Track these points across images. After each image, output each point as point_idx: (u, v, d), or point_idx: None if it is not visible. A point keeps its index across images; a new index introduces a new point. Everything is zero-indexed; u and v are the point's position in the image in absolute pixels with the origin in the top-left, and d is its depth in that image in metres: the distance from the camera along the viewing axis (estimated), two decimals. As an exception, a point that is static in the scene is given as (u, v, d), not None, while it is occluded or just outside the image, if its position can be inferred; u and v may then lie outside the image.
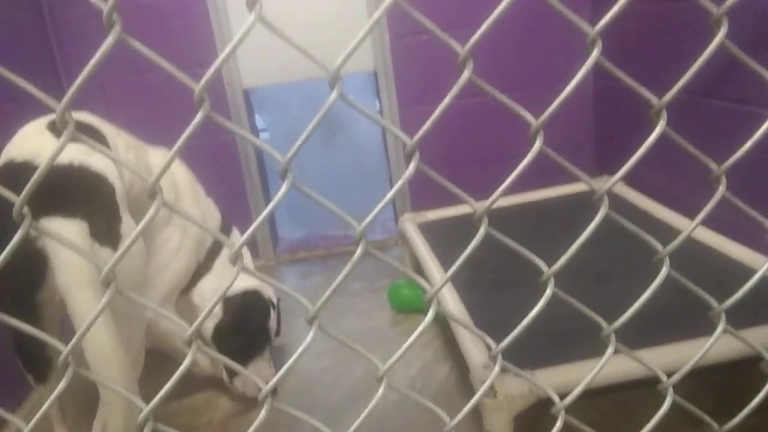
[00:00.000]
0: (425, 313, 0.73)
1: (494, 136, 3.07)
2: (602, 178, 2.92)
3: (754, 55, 0.74)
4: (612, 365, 0.81)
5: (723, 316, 0.84)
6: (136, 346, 1.50)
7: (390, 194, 0.67)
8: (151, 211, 0.59)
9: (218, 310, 1.99)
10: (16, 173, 1.39)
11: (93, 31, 2.73)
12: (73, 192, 1.37)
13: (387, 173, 3.32)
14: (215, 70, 0.57)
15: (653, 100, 0.71)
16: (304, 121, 0.62)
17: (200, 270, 2.01)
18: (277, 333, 2.17)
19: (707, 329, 0.84)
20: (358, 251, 0.67)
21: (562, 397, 0.83)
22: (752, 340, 0.88)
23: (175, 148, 0.59)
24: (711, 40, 0.70)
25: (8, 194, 0.58)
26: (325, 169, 3.60)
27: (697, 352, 0.83)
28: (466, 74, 0.64)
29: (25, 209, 0.57)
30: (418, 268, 2.42)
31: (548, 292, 0.75)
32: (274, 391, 0.71)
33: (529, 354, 1.27)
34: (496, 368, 0.80)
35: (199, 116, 0.58)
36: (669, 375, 0.85)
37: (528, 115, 0.68)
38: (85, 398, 1.53)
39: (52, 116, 1.53)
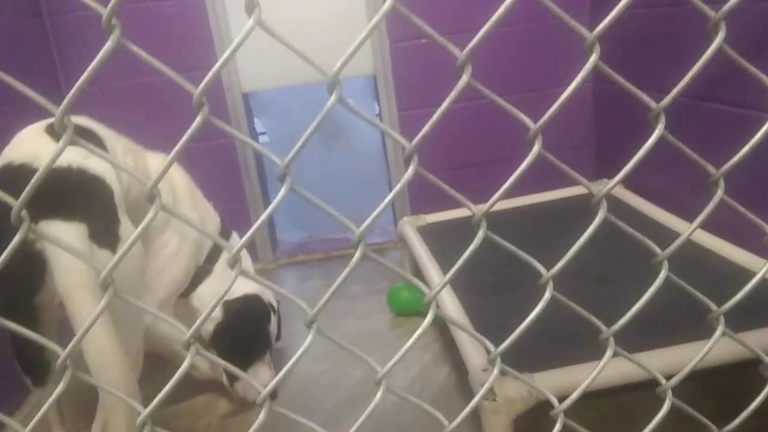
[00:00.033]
0: (424, 315, 0.73)
1: (493, 139, 3.08)
2: (601, 182, 2.92)
3: (752, 58, 0.74)
4: (611, 368, 0.81)
5: (722, 319, 0.84)
6: (135, 349, 1.50)
7: (389, 198, 0.67)
8: (150, 214, 0.59)
9: (218, 314, 1.99)
10: (14, 176, 1.39)
11: (92, 35, 2.74)
12: (72, 195, 1.37)
13: (386, 176, 3.32)
14: (214, 74, 0.57)
15: (651, 103, 0.71)
16: (304, 125, 0.62)
17: (200, 274, 2.01)
18: (278, 337, 2.17)
19: (706, 332, 0.84)
20: (357, 255, 0.67)
21: (562, 399, 0.83)
22: (751, 343, 0.88)
23: (174, 151, 0.59)
24: (709, 44, 0.70)
25: (7, 198, 0.58)
26: (325, 173, 3.60)
27: (696, 355, 0.83)
28: (464, 78, 0.64)
29: (24, 212, 0.57)
30: (418, 271, 2.42)
31: (547, 295, 0.75)
32: (273, 395, 0.71)
33: (528, 356, 1.27)
34: (495, 371, 0.80)
35: (197, 120, 0.58)
36: (668, 378, 0.85)
37: (526, 119, 0.68)
38: (83, 401, 1.53)
39: (50, 120, 1.53)
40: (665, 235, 2.16)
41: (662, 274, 0.79)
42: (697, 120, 2.20)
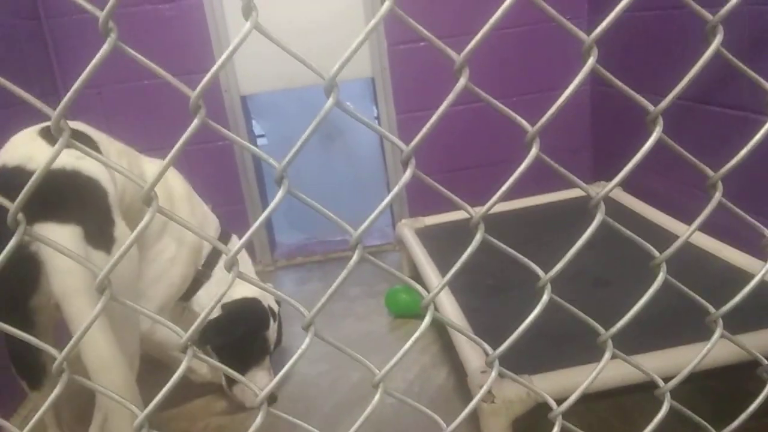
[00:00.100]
0: (423, 318, 0.73)
1: (491, 141, 3.08)
2: (599, 184, 2.92)
3: (749, 61, 0.74)
4: (610, 370, 0.81)
5: (720, 322, 0.84)
6: (132, 351, 1.50)
7: (386, 201, 0.67)
8: (147, 217, 0.59)
9: (215, 316, 1.98)
10: (8, 179, 1.39)
11: (90, 38, 2.73)
12: (66, 197, 1.37)
13: (384, 179, 3.32)
14: (211, 76, 0.57)
15: (649, 106, 0.71)
16: (302, 128, 0.62)
17: (199, 278, 2.00)
18: (278, 343, 2.16)
19: (705, 334, 0.84)
20: (354, 257, 0.67)
21: (561, 401, 0.83)
22: (749, 345, 0.88)
23: (171, 155, 0.59)
24: (706, 47, 0.70)
25: (2, 200, 0.57)
26: (323, 175, 3.59)
27: (695, 357, 0.83)
28: (462, 81, 0.64)
29: (20, 215, 0.57)
30: (416, 274, 2.42)
31: (545, 297, 0.75)
32: (273, 399, 0.71)
33: (527, 358, 1.27)
34: (494, 373, 0.80)
35: (194, 123, 0.58)
36: (667, 380, 0.85)
37: (524, 122, 0.68)
38: (81, 403, 1.53)
39: (43, 124, 1.53)
40: (663, 238, 2.16)
41: (660, 277, 0.79)
42: (694, 123, 2.21)
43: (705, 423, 0.89)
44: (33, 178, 0.56)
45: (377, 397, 0.76)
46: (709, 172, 0.76)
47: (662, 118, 0.72)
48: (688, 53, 2.18)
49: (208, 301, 1.99)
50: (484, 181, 2.62)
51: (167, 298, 1.87)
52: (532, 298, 0.76)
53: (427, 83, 2.90)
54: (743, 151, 0.76)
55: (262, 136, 3.67)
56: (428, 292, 0.73)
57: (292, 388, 2.13)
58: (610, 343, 0.81)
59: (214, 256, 2.03)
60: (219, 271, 2.03)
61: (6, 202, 0.57)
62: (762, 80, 0.76)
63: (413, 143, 0.65)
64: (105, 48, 0.54)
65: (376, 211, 0.67)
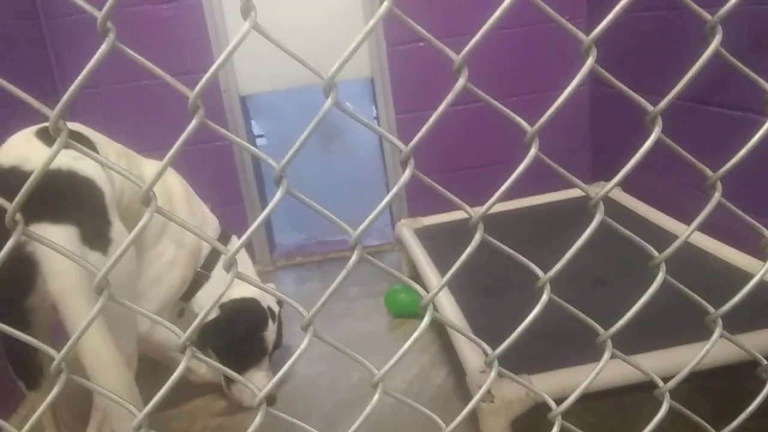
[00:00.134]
0: (422, 318, 0.73)
1: (490, 141, 3.08)
2: (598, 184, 2.92)
3: (748, 61, 0.74)
4: (609, 369, 0.81)
5: (719, 322, 0.84)
6: (130, 351, 1.50)
7: (385, 201, 0.67)
8: (145, 217, 0.59)
9: (213, 315, 1.98)
10: (4, 179, 1.39)
11: (89, 39, 2.74)
12: (62, 197, 1.36)
13: (384, 179, 3.32)
14: (209, 76, 0.57)
15: (648, 106, 0.71)
16: (301, 128, 0.61)
17: (199, 280, 2.00)
18: (278, 344, 2.15)
19: (704, 334, 0.84)
20: (353, 257, 0.67)
21: (560, 401, 0.83)
22: (748, 345, 0.88)
23: (169, 154, 0.59)
24: (705, 48, 0.70)
25: (1, 201, 0.57)
26: (322, 175, 3.59)
27: (694, 356, 0.83)
28: (461, 81, 0.64)
29: (18, 215, 0.57)
30: (415, 274, 2.42)
31: (544, 297, 0.75)
32: (272, 400, 0.71)
33: (526, 358, 1.27)
34: (493, 373, 0.80)
35: (193, 123, 0.58)
36: (666, 379, 0.85)
37: (523, 122, 0.68)
38: (79, 403, 1.53)
39: (40, 125, 1.53)
40: (662, 238, 2.16)
41: (660, 277, 0.79)
42: (693, 123, 2.20)
43: (704, 423, 0.89)
44: (31, 178, 0.56)
45: (376, 397, 0.76)
46: (708, 172, 0.76)
47: (661, 118, 0.72)
48: (687, 54, 2.18)
49: (207, 302, 1.99)
50: (483, 181, 2.62)
51: (166, 300, 1.87)
52: (532, 298, 0.76)
53: (426, 83, 2.90)
54: (742, 151, 0.76)
55: (261, 136, 3.67)
56: (427, 292, 0.73)
57: (292, 388, 2.13)
58: (609, 343, 0.81)
59: (214, 257, 2.03)
60: (218, 272, 2.03)
61: (4, 203, 0.57)
62: (761, 80, 0.76)
63: (412, 143, 0.65)
64: (103, 48, 0.54)
65: (375, 211, 0.67)
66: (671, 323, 1.54)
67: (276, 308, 2.15)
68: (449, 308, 1.95)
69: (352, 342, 2.40)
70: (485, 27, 0.62)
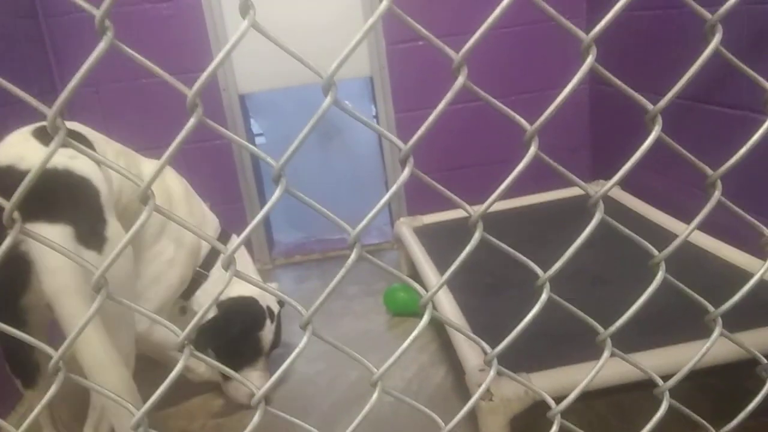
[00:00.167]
0: (421, 316, 0.73)
1: (490, 140, 3.08)
2: (597, 183, 2.93)
3: (748, 60, 0.74)
4: (609, 368, 0.81)
5: (719, 320, 0.84)
6: (127, 350, 1.49)
7: (384, 199, 0.67)
8: (143, 215, 0.59)
9: (211, 314, 1.98)
10: (0, 178, 1.39)
11: (88, 37, 2.73)
12: (57, 196, 1.36)
13: (383, 178, 3.32)
14: (208, 75, 0.57)
15: (648, 105, 0.71)
16: (300, 127, 0.61)
17: (198, 279, 2.00)
18: (275, 344, 2.14)
19: (703, 332, 0.84)
20: (352, 256, 0.67)
21: (559, 399, 0.83)
22: (748, 344, 0.88)
23: (167, 153, 0.59)
24: (705, 47, 0.70)
25: None
26: (321, 174, 3.59)
27: (694, 354, 0.83)
28: (460, 80, 0.64)
29: (16, 214, 0.57)
30: (414, 272, 2.41)
31: (543, 296, 0.75)
32: (267, 400, 0.70)
33: (525, 356, 1.27)
34: (492, 372, 0.80)
35: (191, 122, 0.57)
36: (665, 378, 0.85)
37: (523, 121, 0.68)
38: (76, 401, 1.52)
39: (37, 124, 1.53)
40: (662, 237, 2.16)
41: (659, 276, 0.79)
42: (693, 122, 2.20)
43: (704, 421, 0.89)
44: (29, 176, 0.56)
45: (375, 395, 0.76)
46: (709, 170, 0.76)
47: (661, 117, 0.71)
48: (687, 53, 2.18)
49: (206, 301, 1.99)
50: (483, 179, 2.61)
51: (165, 299, 1.86)
52: (531, 297, 0.76)
53: (426, 82, 2.90)
54: (742, 150, 0.76)
55: (260, 134, 3.66)
56: (426, 290, 0.73)
57: (290, 387, 2.13)
58: (608, 341, 0.81)
59: (213, 256, 2.03)
60: (217, 271, 2.03)
61: (1, 201, 0.57)
62: (761, 79, 0.76)
63: (412, 141, 0.65)
64: (101, 46, 0.53)
65: (375, 210, 0.67)
66: (671, 322, 1.54)
67: (276, 308, 2.14)
68: (448, 307, 1.95)
69: (351, 340, 2.40)
70: (485, 26, 0.62)
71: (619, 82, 0.70)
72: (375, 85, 3.07)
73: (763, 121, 0.75)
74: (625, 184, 2.77)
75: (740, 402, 0.89)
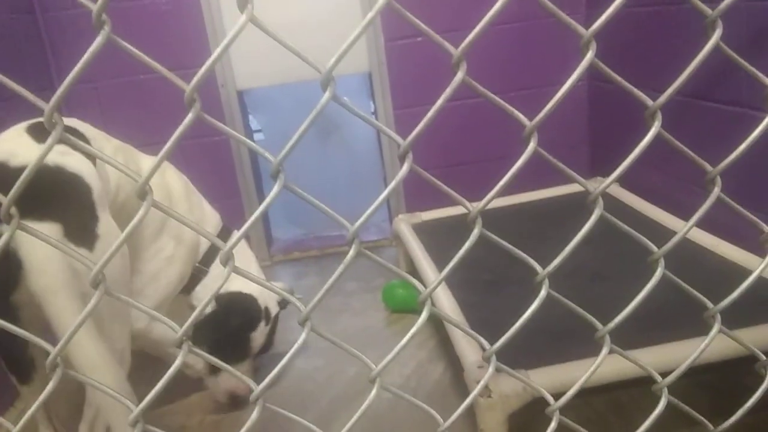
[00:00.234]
0: (420, 313, 0.73)
1: (489, 136, 3.07)
2: (596, 180, 2.92)
3: (747, 56, 0.74)
4: (607, 365, 0.81)
5: (718, 317, 0.84)
6: (120, 346, 1.49)
7: (383, 195, 0.67)
8: (141, 211, 0.59)
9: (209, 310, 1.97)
10: None
11: (86, 33, 2.73)
12: (47, 193, 1.35)
13: (381, 174, 3.32)
14: (206, 70, 0.57)
15: (648, 101, 0.71)
16: (299, 123, 0.61)
17: (197, 275, 1.99)
18: (267, 347, 2.11)
19: (702, 329, 0.84)
20: (351, 252, 0.67)
21: (557, 396, 0.83)
22: (747, 341, 0.88)
23: (165, 148, 0.58)
24: (705, 42, 0.70)
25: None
26: (320, 170, 3.59)
27: (692, 351, 0.83)
28: (459, 75, 0.63)
29: (13, 209, 0.57)
30: (413, 269, 2.41)
31: (542, 293, 0.75)
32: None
33: (524, 353, 1.27)
34: (491, 369, 0.80)
35: (189, 117, 0.57)
36: (664, 375, 0.85)
37: (522, 117, 0.68)
38: (75, 399, 1.52)
39: (32, 121, 1.52)
40: (661, 233, 2.16)
41: (658, 272, 0.79)
42: (693, 118, 2.20)
43: (702, 418, 0.89)
44: (26, 172, 0.56)
45: (374, 392, 0.76)
46: (708, 167, 0.76)
47: (660, 113, 0.71)
48: (686, 49, 2.17)
49: (205, 297, 1.98)
50: (482, 176, 2.61)
51: (164, 297, 1.86)
52: (530, 294, 0.76)
53: (425, 78, 2.90)
54: (742, 146, 0.76)
55: (258, 131, 3.66)
56: (425, 287, 0.73)
57: (289, 383, 2.13)
58: (607, 338, 0.81)
59: (213, 252, 2.02)
60: (216, 267, 2.02)
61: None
62: (761, 75, 0.76)
63: (411, 137, 0.64)
64: (98, 41, 0.53)
65: (373, 206, 0.67)
66: (669, 319, 1.54)
67: (275, 310, 2.11)
68: (447, 303, 1.95)
69: (350, 337, 2.40)
70: (484, 21, 0.62)
71: (618, 78, 0.69)
72: (373, 81, 3.06)
73: (762, 118, 0.75)
74: (624, 180, 2.77)
75: (738, 399, 0.89)
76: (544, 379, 1.44)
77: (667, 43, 2.37)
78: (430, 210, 2.88)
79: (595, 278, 2.01)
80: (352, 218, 0.67)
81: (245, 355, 2.04)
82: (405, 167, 0.65)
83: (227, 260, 0.64)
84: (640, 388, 1.05)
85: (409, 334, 0.72)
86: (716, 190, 0.77)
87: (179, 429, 1.97)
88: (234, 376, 0.69)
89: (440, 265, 2.25)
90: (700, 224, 0.80)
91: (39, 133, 1.48)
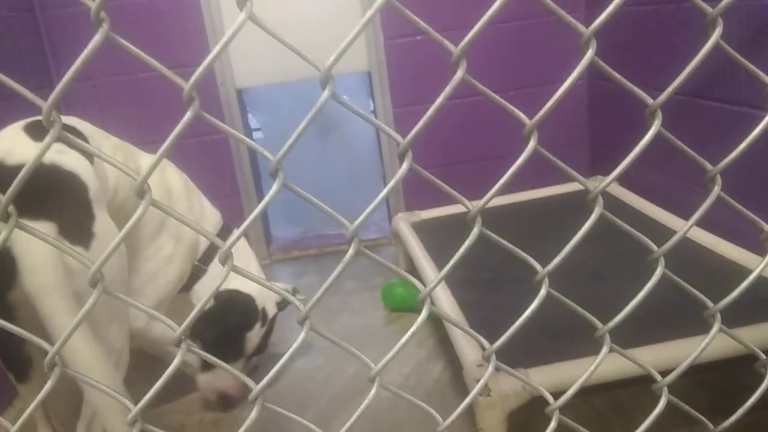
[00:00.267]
0: (419, 312, 0.72)
1: (489, 135, 3.07)
2: (596, 178, 2.92)
3: (747, 55, 0.74)
4: (607, 363, 0.81)
5: (718, 316, 0.83)
6: (119, 346, 1.48)
7: (382, 194, 0.67)
8: (140, 209, 0.59)
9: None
10: None
11: (85, 31, 2.72)
12: (42, 192, 1.34)
13: (381, 172, 3.32)
14: (205, 68, 0.57)
15: (648, 100, 0.70)
16: (298, 121, 0.61)
17: (196, 273, 1.99)
18: (261, 349, 2.10)
19: (702, 328, 0.84)
20: (350, 251, 0.67)
21: (557, 394, 0.83)
22: (747, 340, 0.88)
23: (164, 146, 0.58)
24: (705, 41, 0.70)
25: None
26: (319, 168, 3.59)
27: (692, 350, 0.83)
28: (459, 74, 0.63)
29: (11, 208, 0.56)
30: (412, 268, 2.41)
31: (542, 292, 0.75)
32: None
33: (523, 352, 1.27)
34: (490, 368, 0.80)
35: (188, 115, 0.57)
36: (664, 374, 0.85)
37: (522, 115, 0.67)
38: (74, 398, 1.52)
39: (30, 119, 1.52)
40: (660, 232, 2.16)
41: (658, 271, 0.78)
42: (693, 117, 2.20)
43: (702, 417, 0.89)
44: (24, 170, 0.56)
45: (373, 391, 0.75)
46: (708, 165, 0.76)
47: (660, 112, 0.71)
48: (686, 47, 2.17)
49: (204, 295, 1.98)
50: (481, 175, 2.61)
51: (163, 296, 1.85)
52: (530, 293, 0.76)
53: (424, 77, 2.90)
54: (743, 145, 0.75)
55: (258, 129, 3.66)
56: (424, 286, 0.73)
57: (288, 382, 2.13)
58: (607, 337, 0.81)
59: (212, 251, 2.01)
60: (215, 265, 2.01)
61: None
62: (761, 73, 0.75)
63: (410, 135, 0.64)
64: (97, 38, 0.53)
65: (373, 205, 0.67)
66: (669, 318, 1.54)
67: (272, 311, 2.10)
68: (446, 302, 1.95)
69: (349, 336, 2.40)
70: (483, 19, 0.62)
71: (618, 77, 0.69)
72: (373, 80, 3.06)
73: (763, 117, 0.74)
74: (624, 179, 2.77)
75: (738, 398, 0.89)
76: (543, 378, 1.44)
77: (666, 41, 2.37)
78: (429, 209, 2.88)
79: (595, 277, 2.01)
80: (352, 217, 0.67)
81: (238, 355, 2.02)
82: (404, 166, 0.65)
83: (226, 259, 0.64)
84: (640, 387, 1.05)
85: (409, 333, 0.72)
86: (716, 189, 0.77)
87: (178, 428, 1.97)
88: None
89: (440, 263, 2.25)
90: (700, 223, 0.80)
91: (36, 131, 1.47)
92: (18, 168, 0.54)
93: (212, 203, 2.16)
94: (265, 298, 2.07)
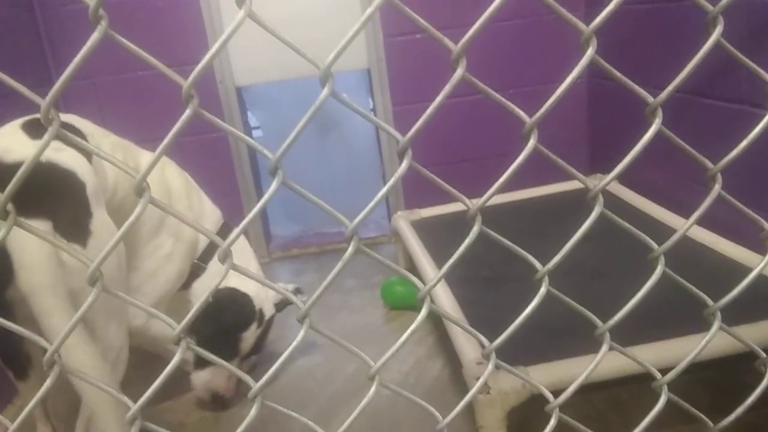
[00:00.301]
0: (419, 310, 0.72)
1: (488, 133, 3.07)
2: (595, 177, 2.92)
3: (748, 53, 0.74)
4: (607, 361, 0.81)
5: (718, 315, 0.83)
6: (118, 344, 1.48)
7: (382, 192, 0.67)
8: (138, 207, 0.58)
9: None
10: None
11: (84, 29, 2.71)
12: (39, 190, 1.34)
13: (380, 170, 3.31)
14: (204, 66, 0.56)
15: (649, 98, 0.70)
16: (297, 119, 0.61)
17: (195, 271, 1.98)
18: (256, 350, 2.09)
19: (702, 326, 0.84)
20: (350, 249, 0.66)
21: (557, 392, 0.82)
22: (747, 338, 0.88)
23: (163, 145, 0.58)
24: (706, 39, 0.69)
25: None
26: (319, 166, 3.58)
27: (692, 348, 0.83)
28: (459, 72, 0.63)
29: (10, 206, 0.56)
30: (412, 266, 2.41)
31: (542, 290, 0.75)
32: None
33: (523, 350, 1.27)
34: (490, 366, 0.80)
35: (186, 113, 0.57)
36: (664, 372, 0.85)
37: (522, 114, 0.67)
38: (74, 395, 1.52)
39: (28, 117, 1.51)
40: (660, 231, 2.16)
41: (658, 270, 0.78)
42: (693, 115, 2.20)
43: (702, 415, 0.89)
44: (23, 168, 0.55)
45: (373, 389, 0.75)
46: (709, 164, 0.76)
47: (661, 110, 0.71)
48: (687, 46, 2.17)
49: (202, 293, 1.97)
50: (481, 173, 2.61)
51: (163, 294, 1.85)
52: (530, 289, 0.76)
53: (424, 75, 2.89)
54: (743, 143, 0.75)
55: (257, 128, 3.65)
56: (424, 284, 0.73)
57: (288, 380, 2.13)
58: (607, 335, 0.81)
59: (211, 249, 2.01)
60: (214, 264, 2.01)
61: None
62: (761, 71, 0.75)
63: (410, 133, 0.64)
64: (95, 36, 0.53)
65: (372, 203, 0.67)
66: (669, 316, 1.54)
67: (269, 312, 2.09)
68: (446, 300, 1.95)
69: (349, 334, 2.40)
70: (483, 17, 0.62)
71: (619, 75, 0.69)
72: (372, 78, 3.06)
73: (763, 115, 0.74)
74: (624, 178, 2.76)
75: (738, 396, 0.89)
76: (543, 376, 1.44)
77: (667, 39, 2.37)
78: (429, 207, 2.88)
79: (594, 275, 2.01)
80: (351, 215, 0.67)
81: (233, 355, 2.01)
82: (404, 164, 0.65)
83: (225, 257, 0.64)
84: (639, 385, 1.05)
85: (409, 331, 0.72)
86: (717, 188, 0.77)
87: (178, 426, 1.97)
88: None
89: (439, 262, 2.25)
90: (700, 221, 0.79)
91: (34, 129, 1.47)
92: (15, 166, 0.54)
93: (212, 201, 2.16)
94: (263, 299, 2.06)
